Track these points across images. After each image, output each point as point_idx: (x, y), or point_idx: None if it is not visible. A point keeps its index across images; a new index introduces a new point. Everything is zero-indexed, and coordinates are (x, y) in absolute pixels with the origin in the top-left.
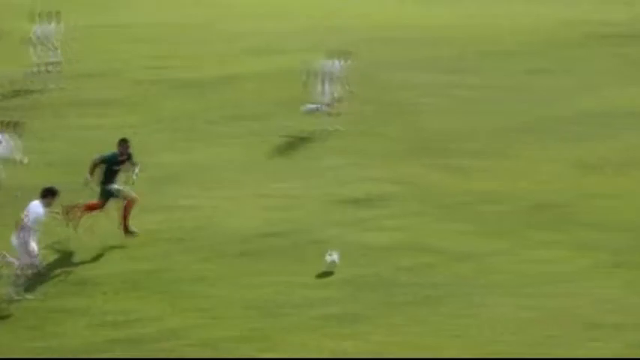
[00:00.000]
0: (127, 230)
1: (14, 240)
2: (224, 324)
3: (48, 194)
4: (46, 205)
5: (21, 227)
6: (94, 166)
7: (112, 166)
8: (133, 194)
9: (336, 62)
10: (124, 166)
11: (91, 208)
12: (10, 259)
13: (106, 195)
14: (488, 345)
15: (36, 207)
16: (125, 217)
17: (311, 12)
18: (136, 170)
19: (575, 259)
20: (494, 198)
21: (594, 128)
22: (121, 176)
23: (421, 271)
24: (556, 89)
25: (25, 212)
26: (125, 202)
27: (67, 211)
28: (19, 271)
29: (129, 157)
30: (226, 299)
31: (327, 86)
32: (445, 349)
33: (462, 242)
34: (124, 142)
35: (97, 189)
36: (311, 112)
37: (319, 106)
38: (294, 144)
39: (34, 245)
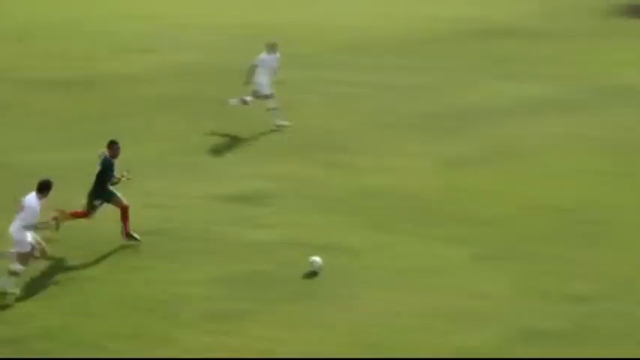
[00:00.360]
0: (128, 235)
1: (13, 229)
2: (109, 322)
3: (44, 187)
4: (41, 197)
5: (19, 219)
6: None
7: (108, 171)
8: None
9: (273, 56)
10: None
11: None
12: (9, 253)
13: (104, 198)
14: (363, 338)
15: (31, 200)
16: (125, 223)
17: (177, 12)
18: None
19: (445, 253)
20: (370, 193)
21: (463, 123)
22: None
23: (303, 267)
24: (425, 85)
25: (21, 205)
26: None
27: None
28: (15, 264)
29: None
30: (110, 297)
31: (265, 79)
32: (321, 342)
33: (342, 237)
34: (114, 144)
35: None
36: (239, 104)
37: (246, 99)
38: (175, 142)
39: (29, 236)
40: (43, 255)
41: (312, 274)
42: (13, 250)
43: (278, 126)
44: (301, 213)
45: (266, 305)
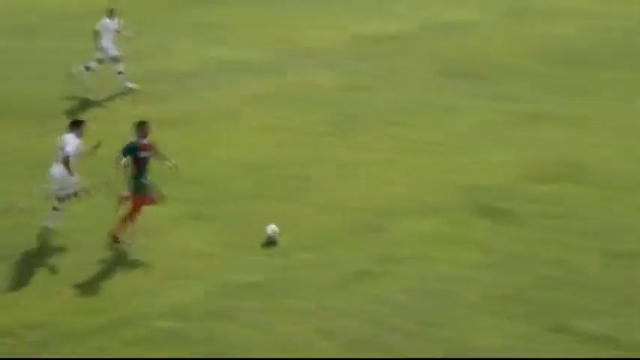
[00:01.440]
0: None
1: (55, 172)
2: None
3: (76, 125)
4: (79, 135)
5: (61, 160)
6: (119, 161)
7: (134, 154)
8: (154, 195)
9: (114, 20)
10: (151, 155)
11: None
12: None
13: (139, 189)
14: (85, 304)
15: (71, 139)
16: (124, 221)
17: None
18: (168, 163)
19: (155, 213)
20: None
21: (167, 87)
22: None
23: (8, 233)
24: (134, 51)
25: (61, 145)
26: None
27: (121, 201)
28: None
29: (152, 143)
30: None
31: (108, 43)
32: (37, 307)
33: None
34: (140, 126)
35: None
36: (82, 71)
37: (90, 64)
38: None
39: (75, 175)
40: (87, 194)
41: (271, 242)
42: (55, 188)
43: (128, 89)
44: (7, 181)
45: None
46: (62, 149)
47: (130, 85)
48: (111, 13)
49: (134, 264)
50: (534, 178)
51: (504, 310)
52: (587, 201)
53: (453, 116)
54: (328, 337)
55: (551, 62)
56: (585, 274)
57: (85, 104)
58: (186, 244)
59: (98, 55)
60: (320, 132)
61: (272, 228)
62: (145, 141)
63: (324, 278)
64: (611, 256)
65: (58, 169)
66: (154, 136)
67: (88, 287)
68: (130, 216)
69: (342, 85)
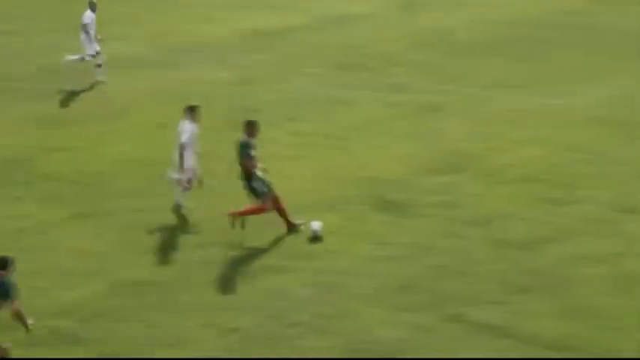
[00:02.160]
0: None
1: (175, 156)
2: None
3: (191, 110)
4: (194, 120)
5: (180, 146)
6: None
7: (245, 153)
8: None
9: (90, 14)
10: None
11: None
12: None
13: (253, 192)
14: None
15: (187, 125)
16: (243, 213)
17: None
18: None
19: (41, 213)
20: None
21: (52, 85)
22: None
23: None
24: (17, 49)
25: (179, 131)
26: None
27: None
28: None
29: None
30: None
31: (87, 37)
32: None
33: None
34: (248, 126)
35: None
36: (73, 62)
37: (80, 57)
38: None
39: (190, 162)
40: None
41: (316, 238)
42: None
43: (100, 81)
44: None
45: None
46: (181, 135)
47: (102, 78)
48: (94, 7)
49: (24, 263)
50: (429, 170)
51: (401, 302)
52: (477, 191)
53: (349, 109)
54: (228, 333)
55: (444, 53)
56: (477, 263)
57: None
58: (76, 244)
59: (96, 47)
60: (216, 127)
61: (317, 224)
62: (250, 142)
63: (221, 274)
64: (501, 244)
65: (176, 154)
66: (44, 134)
67: None
68: (252, 211)
69: (235, 80)
